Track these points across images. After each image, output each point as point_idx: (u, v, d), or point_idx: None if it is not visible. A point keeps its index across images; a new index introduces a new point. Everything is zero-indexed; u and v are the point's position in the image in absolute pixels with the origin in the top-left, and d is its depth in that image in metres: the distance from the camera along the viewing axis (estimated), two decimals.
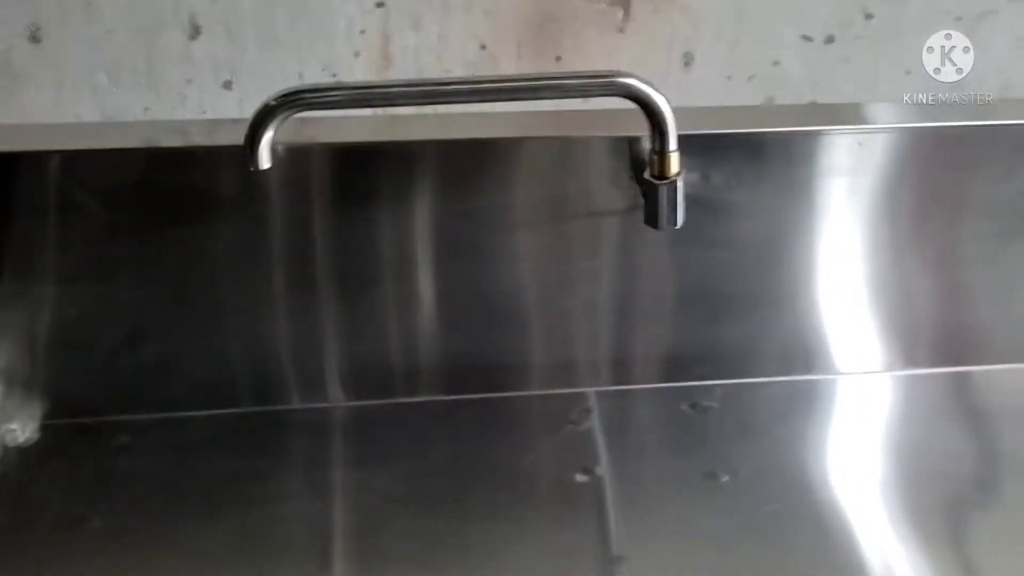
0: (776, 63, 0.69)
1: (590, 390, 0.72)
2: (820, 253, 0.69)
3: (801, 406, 0.71)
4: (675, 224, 0.61)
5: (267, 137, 0.56)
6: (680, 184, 0.59)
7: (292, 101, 0.56)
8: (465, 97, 0.56)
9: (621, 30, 0.67)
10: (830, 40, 0.68)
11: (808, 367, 0.72)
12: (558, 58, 0.67)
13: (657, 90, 0.56)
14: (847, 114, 0.68)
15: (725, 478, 0.65)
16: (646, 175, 0.60)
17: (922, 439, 0.68)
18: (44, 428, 0.68)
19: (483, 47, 0.67)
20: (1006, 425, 0.68)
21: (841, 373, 0.72)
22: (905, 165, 0.67)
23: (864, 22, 0.68)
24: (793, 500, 0.62)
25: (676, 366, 0.71)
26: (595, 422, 0.69)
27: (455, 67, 0.67)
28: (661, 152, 0.58)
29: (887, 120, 0.67)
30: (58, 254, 0.65)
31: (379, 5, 0.65)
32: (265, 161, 0.57)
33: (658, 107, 0.57)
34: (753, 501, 0.63)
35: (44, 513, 0.63)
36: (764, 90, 0.69)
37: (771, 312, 0.71)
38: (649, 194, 0.60)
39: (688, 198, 0.61)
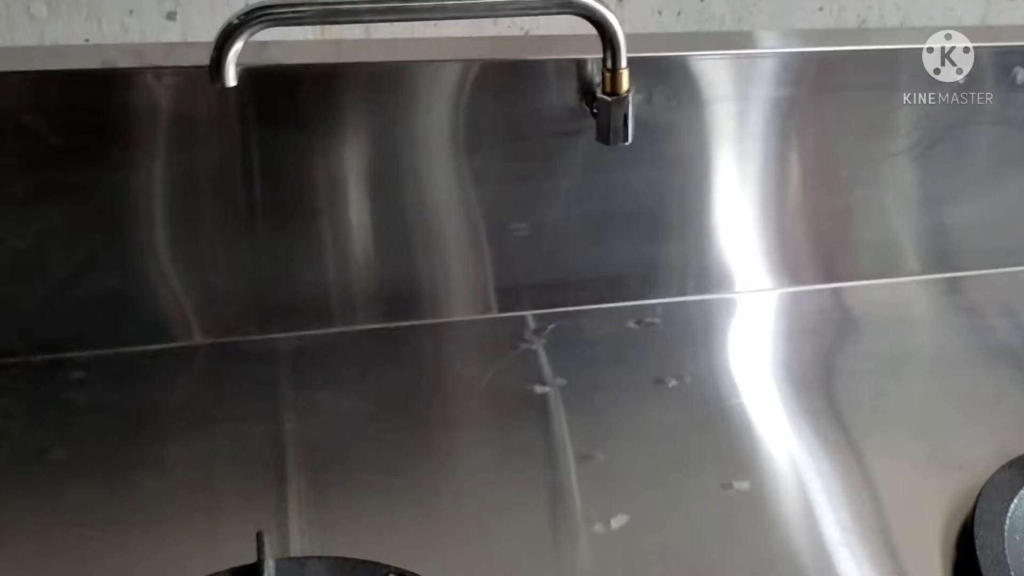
0: None
1: (534, 312, 0.74)
2: (731, 178, 0.74)
3: (724, 320, 0.76)
4: (626, 140, 0.64)
5: (233, 52, 0.56)
6: (631, 100, 0.63)
7: (258, 17, 0.56)
8: (429, 13, 0.58)
9: None
10: None
11: (723, 286, 0.78)
12: None
13: (609, 8, 0.60)
14: (769, 40, 0.73)
15: (673, 383, 0.69)
16: (598, 93, 0.63)
17: (813, 345, 0.74)
18: None
19: None
20: (875, 332, 0.76)
21: (748, 291, 0.78)
22: (816, 89, 0.72)
23: None
24: (729, 400, 0.68)
25: (619, 286, 0.75)
26: (547, 340, 0.72)
27: None
28: (613, 69, 0.62)
29: (806, 44, 0.72)
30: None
31: None
32: (231, 79, 0.57)
33: (611, 25, 0.60)
34: (697, 401, 0.68)
35: (3, 446, 0.62)
36: (691, 24, 0.74)
37: (699, 233, 0.75)
38: (601, 111, 0.63)
39: None
